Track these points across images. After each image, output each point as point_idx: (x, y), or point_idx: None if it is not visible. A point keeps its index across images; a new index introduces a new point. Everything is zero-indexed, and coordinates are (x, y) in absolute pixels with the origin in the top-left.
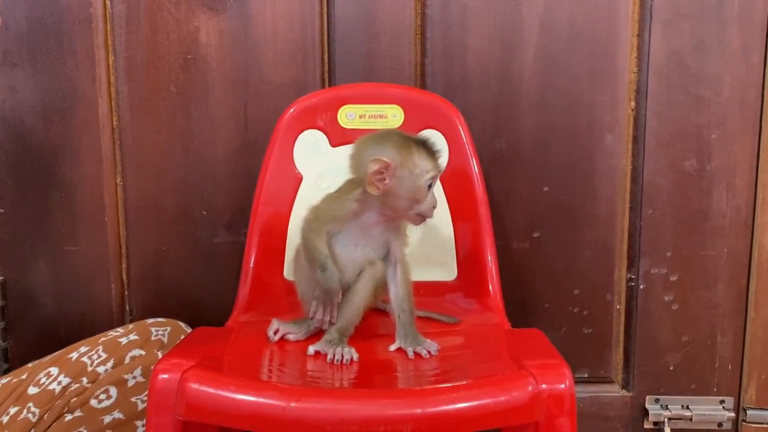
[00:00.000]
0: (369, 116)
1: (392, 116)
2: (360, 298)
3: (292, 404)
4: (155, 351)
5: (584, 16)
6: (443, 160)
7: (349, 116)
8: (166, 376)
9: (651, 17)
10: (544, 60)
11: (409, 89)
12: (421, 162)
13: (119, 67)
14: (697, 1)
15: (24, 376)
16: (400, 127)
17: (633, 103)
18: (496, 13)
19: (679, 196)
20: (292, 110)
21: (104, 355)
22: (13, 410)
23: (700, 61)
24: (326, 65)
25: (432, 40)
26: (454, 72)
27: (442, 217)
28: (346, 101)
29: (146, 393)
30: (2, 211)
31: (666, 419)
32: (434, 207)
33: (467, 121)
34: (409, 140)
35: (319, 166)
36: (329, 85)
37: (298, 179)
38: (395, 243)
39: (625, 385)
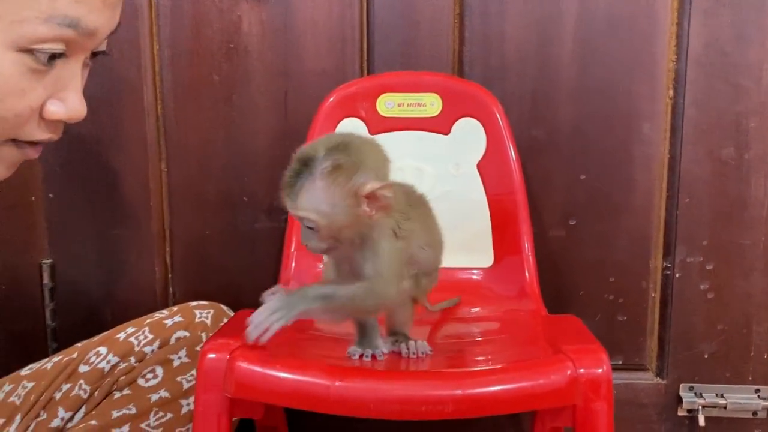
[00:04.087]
0: (407, 105)
1: (430, 104)
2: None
3: (337, 383)
4: (199, 333)
5: (623, 4)
6: (298, 201)
7: (387, 105)
8: (213, 355)
9: (690, 5)
10: (582, 48)
11: (448, 77)
12: None
13: (164, 57)
14: None
15: (74, 355)
16: (437, 115)
17: (671, 92)
18: (535, 0)
19: (717, 184)
20: (331, 99)
21: (150, 336)
22: (65, 387)
23: (740, 50)
24: (365, 53)
25: (470, 28)
26: (492, 60)
27: (479, 204)
28: (385, 89)
29: (191, 373)
30: (51, 196)
31: (700, 407)
32: (309, 247)
33: (505, 109)
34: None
35: None
36: (368, 74)
37: None
38: (365, 264)
39: (659, 373)
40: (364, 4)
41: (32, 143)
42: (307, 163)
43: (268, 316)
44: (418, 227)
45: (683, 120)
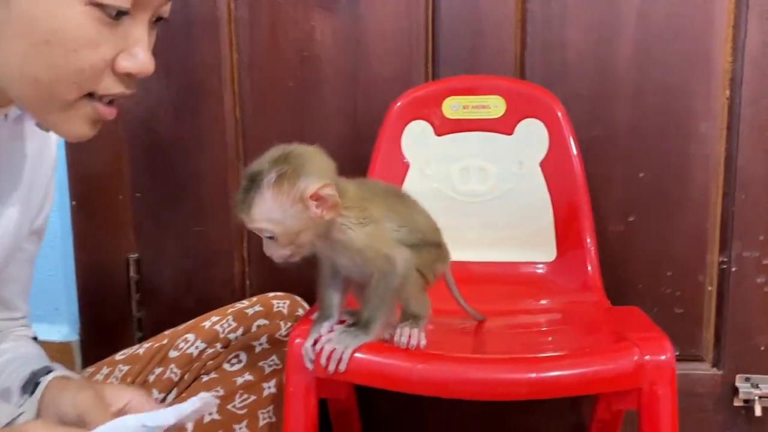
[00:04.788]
0: (472, 107)
1: (494, 106)
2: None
3: (419, 366)
4: (278, 321)
5: (680, 7)
6: (251, 214)
7: (453, 107)
8: (300, 340)
9: (747, 7)
10: (640, 50)
11: (511, 80)
12: None
13: (242, 65)
14: None
15: (164, 342)
16: (501, 116)
17: (728, 92)
18: (595, 6)
19: None
20: (399, 103)
21: (234, 324)
22: (157, 370)
23: None
24: (431, 59)
25: (532, 34)
26: (553, 64)
27: (542, 201)
28: (450, 93)
29: (271, 358)
30: (138, 195)
31: (757, 397)
32: (272, 256)
33: (566, 110)
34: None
35: (425, 154)
36: (434, 78)
37: (406, 167)
38: (359, 258)
39: (716, 364)
40: (430, 13)
41: (108, 103)
42: (254, 179)
43: (337, 347)
44: (382, 213)
45: (740, 119)
